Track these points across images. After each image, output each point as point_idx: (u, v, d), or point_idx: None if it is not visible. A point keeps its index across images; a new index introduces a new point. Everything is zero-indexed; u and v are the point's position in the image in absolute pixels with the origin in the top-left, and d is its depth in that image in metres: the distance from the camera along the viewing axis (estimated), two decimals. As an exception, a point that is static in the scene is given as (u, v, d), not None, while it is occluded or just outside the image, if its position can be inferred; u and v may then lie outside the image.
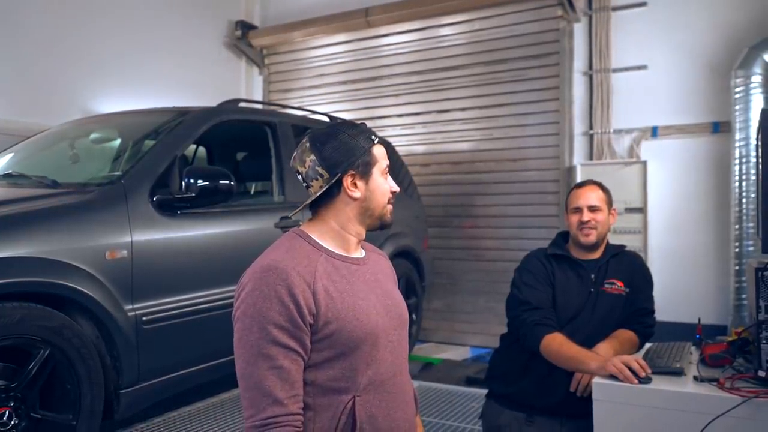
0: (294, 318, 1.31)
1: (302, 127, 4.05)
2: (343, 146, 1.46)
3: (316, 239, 1.47)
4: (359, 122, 1.55)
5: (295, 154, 1.51)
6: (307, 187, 1.49)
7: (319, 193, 1.46)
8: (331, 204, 1.48)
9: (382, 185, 1.51)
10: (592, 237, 2.35)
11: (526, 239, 5.35)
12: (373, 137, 1.51)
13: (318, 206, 1.49)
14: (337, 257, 1.46)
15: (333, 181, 1.45)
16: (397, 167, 5.01)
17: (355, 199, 1.47)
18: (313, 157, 1.45)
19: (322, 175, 1.45)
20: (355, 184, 1.47)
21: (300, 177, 1.50)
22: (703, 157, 4.88)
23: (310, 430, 1.35)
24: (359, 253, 1.54)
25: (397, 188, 1.55)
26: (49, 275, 2.43)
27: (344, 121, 1.59)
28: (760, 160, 2.03)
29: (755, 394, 1.68)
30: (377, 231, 1.57)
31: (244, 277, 1.39)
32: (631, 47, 5.10)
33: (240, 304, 1.35)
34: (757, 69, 4.49)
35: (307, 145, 1.48)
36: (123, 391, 2.72)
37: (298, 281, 1.33)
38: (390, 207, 1.54)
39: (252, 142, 4.19)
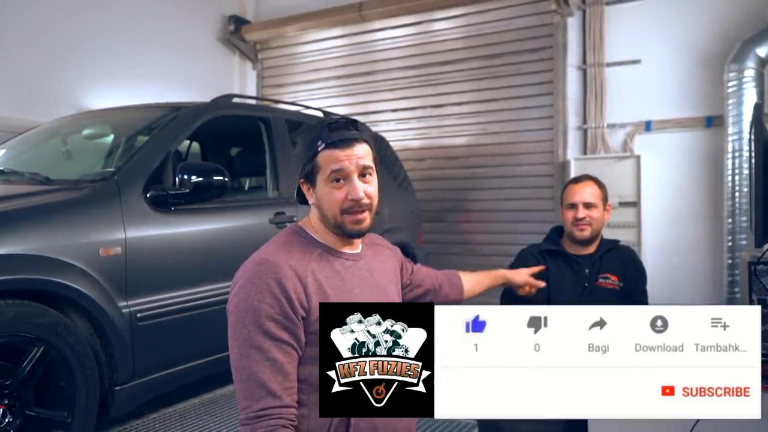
0: (285, 310, 1.30)
1: (296, 122, 4.04)
2: (301, 150, 1.45)
3: (311, 234, 1.46)
4: (339, 119, 1.44)
5: None
6: None
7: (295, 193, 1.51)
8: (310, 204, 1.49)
9: (327, 195, 1.40)
10: (587, 232, 2.36)
11: (521, 233, 5.35)
12: (318, 143, 1.39)
13: None
14: (333, 252, 1.45)
15: (298, 184, 1.49)
16: (391, 162, 5.00)
17: (312, 205, 1.47)
18: None
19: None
20: (309, 190, 1.46)
21: None
22: (696, 151, 4.90)
23: (305, 427, 1.34)
24: (356, 249, 1.53)
25: (357, 195, 1.37)
26: (43, 272, 2.42)
27: (321, 120, 1.55)
28: (752, 154, 2.04)
29: (748, 388, 1.69)
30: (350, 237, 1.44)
31: (238, 271, 1.39)
32: (625, 41, 5.11)
33: (233, 297, 1.35)
34: (750, 63, 4.50)
35: None
36: (118, 387, 2.71)
37: (289, 274, 1.33)
38: (350, 217, 1.39)
39: (246, 138, 4.17)
